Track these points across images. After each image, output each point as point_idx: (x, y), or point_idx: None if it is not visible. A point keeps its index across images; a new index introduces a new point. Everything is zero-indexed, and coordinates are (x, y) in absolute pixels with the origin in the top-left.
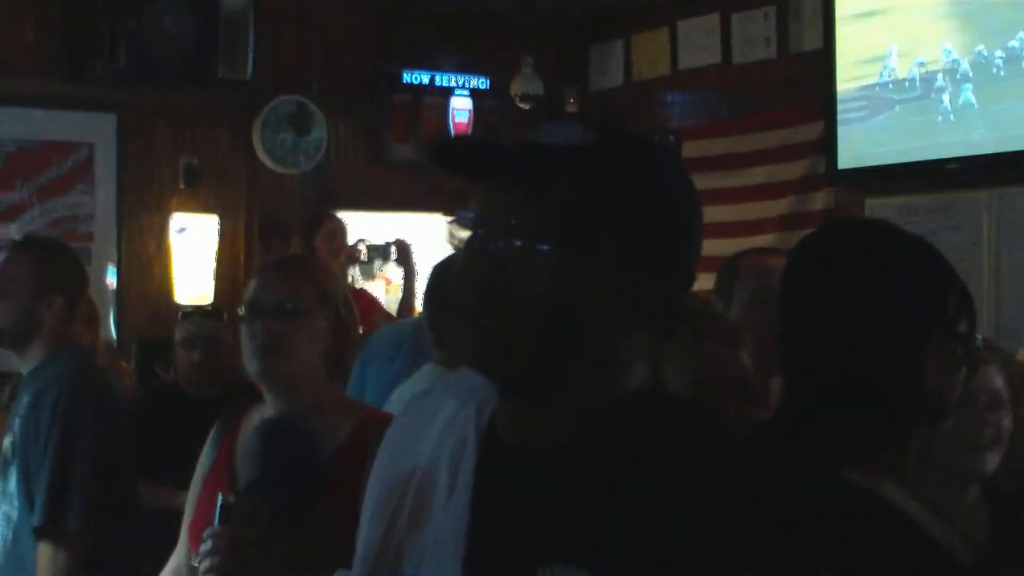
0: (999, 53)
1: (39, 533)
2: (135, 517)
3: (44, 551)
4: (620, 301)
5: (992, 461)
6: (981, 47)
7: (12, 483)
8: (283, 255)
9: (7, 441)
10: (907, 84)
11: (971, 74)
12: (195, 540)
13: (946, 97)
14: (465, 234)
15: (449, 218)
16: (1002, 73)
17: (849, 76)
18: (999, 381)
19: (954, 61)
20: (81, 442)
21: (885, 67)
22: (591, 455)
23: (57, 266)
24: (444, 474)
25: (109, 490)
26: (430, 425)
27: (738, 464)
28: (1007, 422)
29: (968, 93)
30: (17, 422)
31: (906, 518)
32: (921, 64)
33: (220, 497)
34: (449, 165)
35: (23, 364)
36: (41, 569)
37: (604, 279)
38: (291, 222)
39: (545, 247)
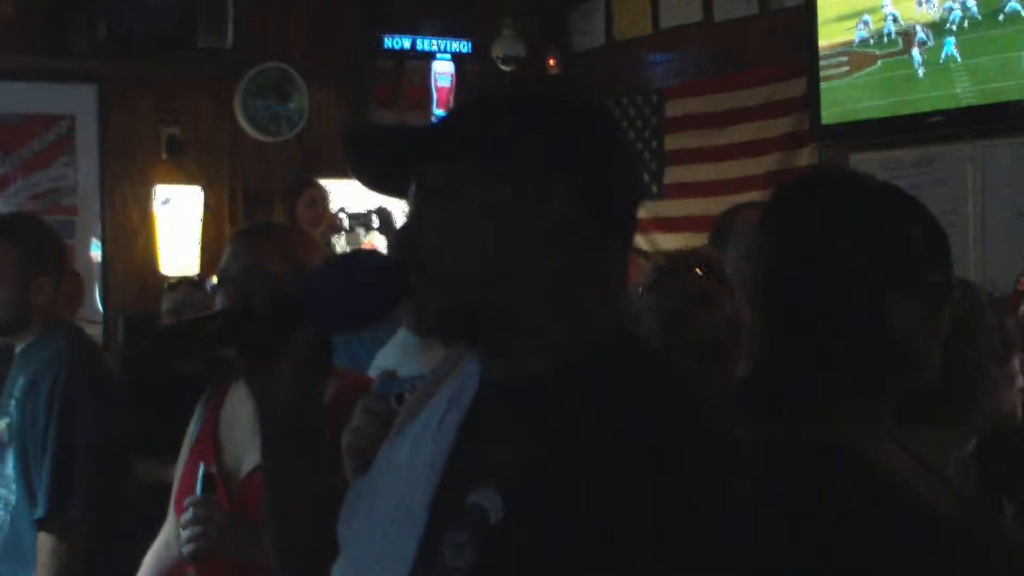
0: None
1: (42, 524)
2: (131, 494)
3: (46, 541)
4: (544, 240)
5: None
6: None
7: (9, 466)
8: (253, 223)
9: (2, 423)
10: (887, 39)
11: (953, 27)
12: (179, 509)
13: (927, 51)
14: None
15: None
16: (982, 25)
17: (831, 32)
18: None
19: (936, 13)
20: (81, 429)
21: (865, 22)
22: (540, 391)
23: (40, 247)
24: (442, 406)
25: (109, 472)
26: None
27: (676, 419)
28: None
29: (951, 47)
30: (13, 404)
31: (867, 472)
32: (895, 19)
33: (202, 467)
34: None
35: (15, 342)
36: (43, 560)
37: (523, 217)
38: (274, 190)
39: (438, 203)
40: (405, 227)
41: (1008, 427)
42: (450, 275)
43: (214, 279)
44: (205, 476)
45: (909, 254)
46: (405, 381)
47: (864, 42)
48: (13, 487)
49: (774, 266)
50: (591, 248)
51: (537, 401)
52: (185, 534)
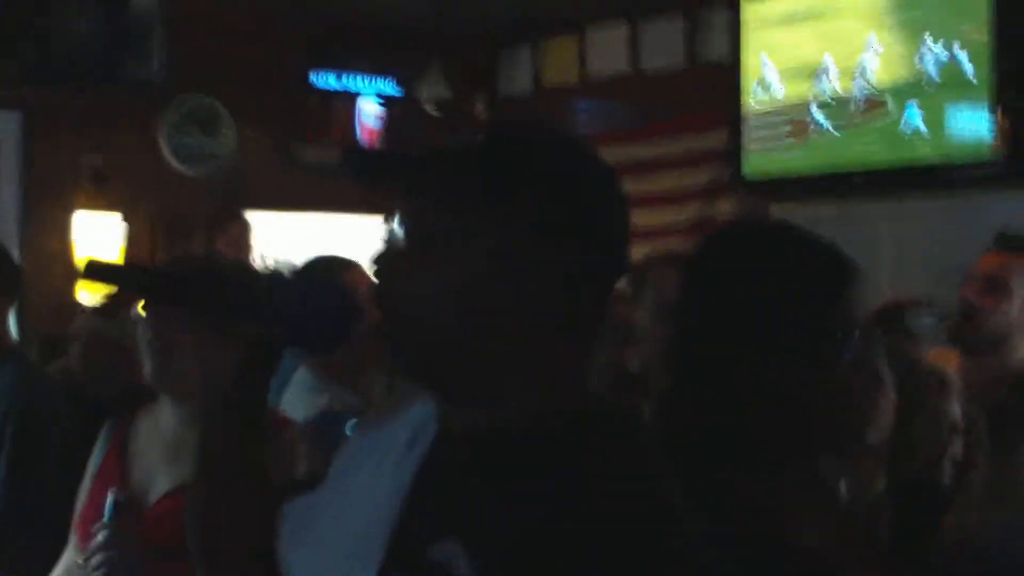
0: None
1: None
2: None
3: None
4: (519, 296)
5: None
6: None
7: None
8: (178, 256)
9: None
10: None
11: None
12: (83, 538)
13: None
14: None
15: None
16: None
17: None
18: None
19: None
20: (33, 459)
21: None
22: (504, 447)
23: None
24: (403, 443)
25: (58, 509)
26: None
27: (632, 485)
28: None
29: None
30: None
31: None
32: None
33: (111, 493)
34: (358, 176)
35: None
36: None
37: (502, 275)
38: (195, 223)
39: (418, 244)
40: (378, 258)
41: (929, 480)
42: (415, 318)
43: (136, 308)
44: (115, 503)
45: (830, 327)
46: (346, 414)
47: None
48: None
49: (695, 324)
50: (571, 310)
51: (498, 457)
52: (96, 560)
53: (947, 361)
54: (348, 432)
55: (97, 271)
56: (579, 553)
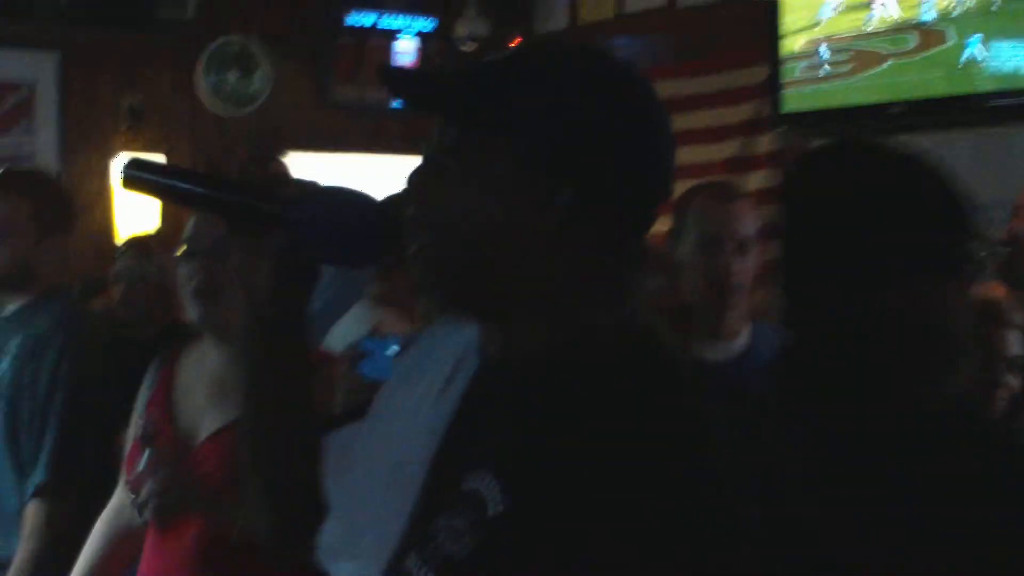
0: None
1: (39, 490)
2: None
3: (41, 508)
4: (551, 221)
5: None
6: None
7: None
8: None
9: None
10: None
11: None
12: (131, 475)
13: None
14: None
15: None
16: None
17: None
18: None
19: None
20: (91, 400)
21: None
22: (538, 375)
23: (55, 205)
24: (444, 375)
25: (108, 445)
26: (446, 343)
27: (663, 406)
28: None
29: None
30: (5, 362)
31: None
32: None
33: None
34: (398, 93)
35: (7, 302)
36: (35, 526)
37: (532, 196)
38: (233, 163)
39: (447, 163)
40: (415, 176)
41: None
42: (452, 236)
43: (181, 248)
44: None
45: (935, 229)
46: (390, 339)
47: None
48: None
49: (798, 243)
50: (601, 235)
51: (533, 385)
52: (147, 489)
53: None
54: (389, 355)
55: (137, 172)
56: (610, 482)
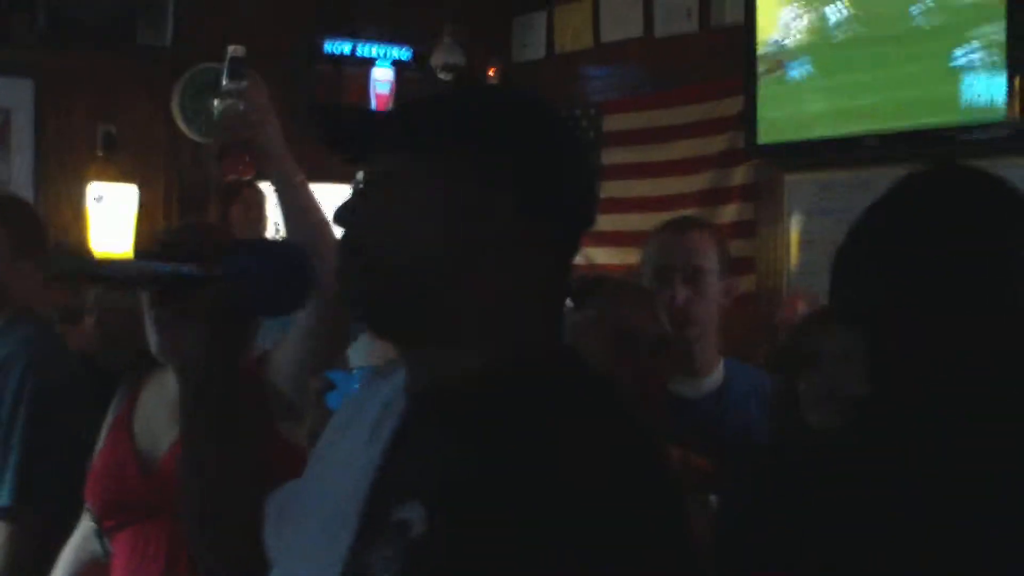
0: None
1: (2, 513)
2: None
3: (3, 530)
4: (482, 242)
5: None
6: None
7: None
8: (180, 222)
9: None
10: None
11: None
12: (91, 497)
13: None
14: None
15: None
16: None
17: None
18: None
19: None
20: (55, 421)
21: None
22: (463, 401)
23: (27, 230)
24: (375, 416)
25: (74, 468)
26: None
27: (594, 431)
28: None
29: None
30: None
31: None
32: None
33: (229, 51)
34: (330, 141)
35: None
36: None
37: (461, 216)
38: (209, 192)
39: (379, 191)
40: (345, 206)
41: None
42: (382, 261)
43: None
44: (233, 59)
45: None
46: (358, 373)
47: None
48: None
49: (903, 276)
50: (530, 258)
51: (459, 412)
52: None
53: None
54: (354, 389)
55: (63, 267)
56: (529, 499)
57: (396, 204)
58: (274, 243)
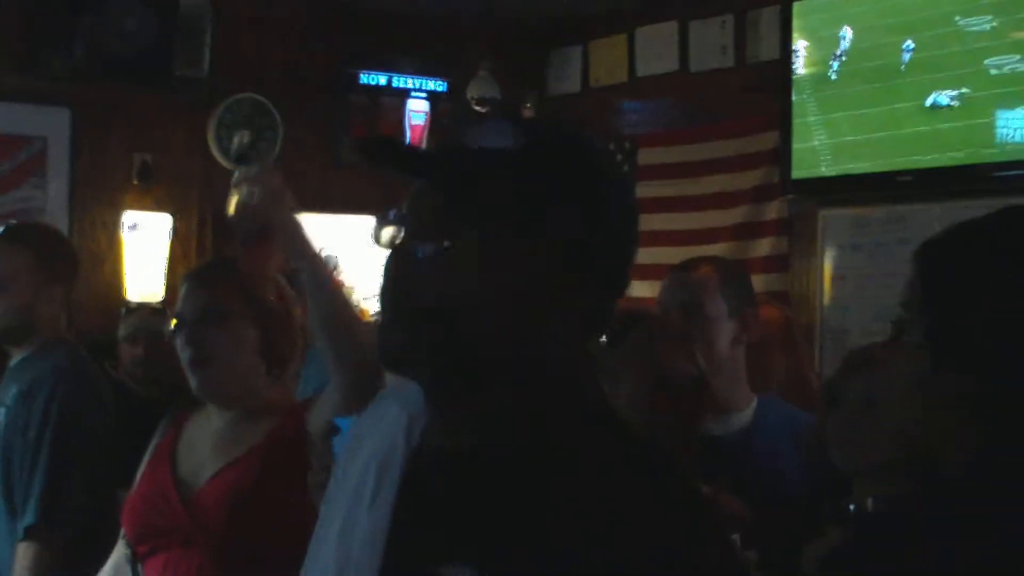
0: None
1: (29, 531)
2: (113, 517)
3: (29, 549)
4: (534, 299)
5: None
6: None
7: None
8: (206, 261)
9: None
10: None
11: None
12: (127, 522)
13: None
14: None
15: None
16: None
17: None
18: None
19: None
20: (78, 442)
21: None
22: (499, 459)
23: (55, 256)
24: (372, 478)
25: (98, 489)
26: (372, 431)
27: (626, 493)
28: None
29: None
30: (2, 412)
31: None
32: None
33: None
34: (381, 163)
35: (12, 352)
36: (24, 567)
37: (513, 276)
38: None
39: (449, 244)
40: (391, 262)
41: None
42: (417, 310)
43: (172, 321)
44: (239, 147)
45: None
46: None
47: None
48: None
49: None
50: (575, 310)
51: (505, 473)
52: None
53: None
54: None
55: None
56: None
57: (430, 252)
58: None
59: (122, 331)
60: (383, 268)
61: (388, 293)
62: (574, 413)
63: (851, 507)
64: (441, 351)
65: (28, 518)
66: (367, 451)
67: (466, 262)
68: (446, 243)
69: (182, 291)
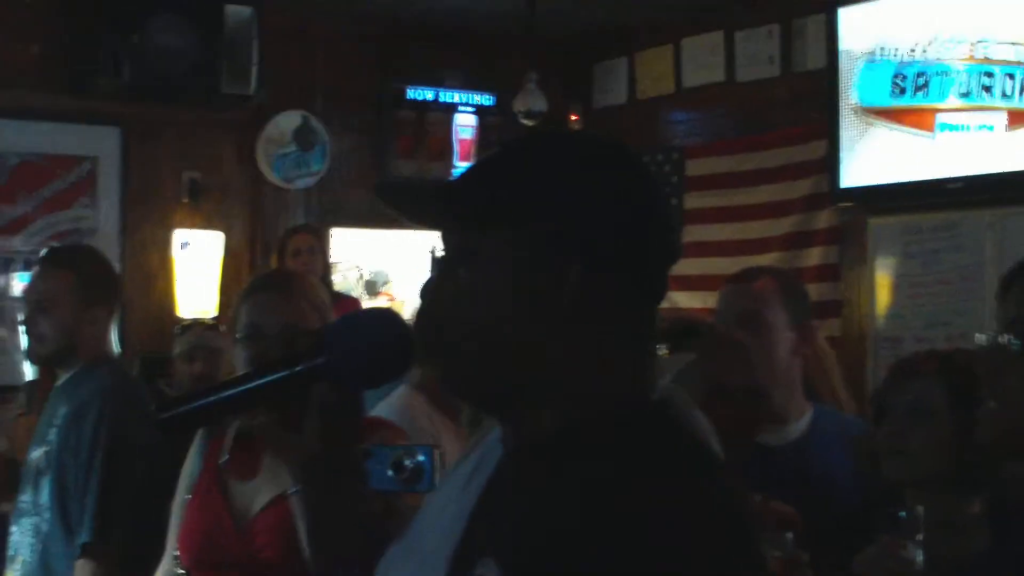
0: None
1: (85, 549)
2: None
3: (86, 567)
4: (559, 310)
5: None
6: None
7: (44, 495)
8: (268, 272)
9: (39, 451)
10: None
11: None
12: (184, 549)
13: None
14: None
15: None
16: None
17: None
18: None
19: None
20: (128, 461)
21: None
22: (544, 461)
23: (97, 278)
24: (472, 463)
25: (150, 506)
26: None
27: (676, 491)
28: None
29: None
30: (53, 432)
31: None
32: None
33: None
34: (394, 205)
35: (59, 372)
36: None
37: (535, 286)
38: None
39: (458, 263)
40: (425, 288)
41: None
42: (458, 342)
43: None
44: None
45: None
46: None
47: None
48: (47, 515)
49: None
50: (611, 314)
51: (538, 472)
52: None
53: None
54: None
55: (167, 414)
56: (608, 569)
57: (464, 281)
58: (367, 314)
59: (177, 349)
60: (420, 297)
61: (420, 323)
62: (618, 410)
63: (902, 515)
64: (469, 366)
65: (83, 536)
66: (472, 453)
67: (490, 284)
68: (467, 265)
69: (253, 302)
